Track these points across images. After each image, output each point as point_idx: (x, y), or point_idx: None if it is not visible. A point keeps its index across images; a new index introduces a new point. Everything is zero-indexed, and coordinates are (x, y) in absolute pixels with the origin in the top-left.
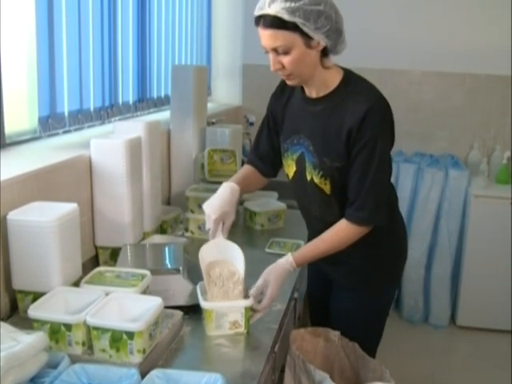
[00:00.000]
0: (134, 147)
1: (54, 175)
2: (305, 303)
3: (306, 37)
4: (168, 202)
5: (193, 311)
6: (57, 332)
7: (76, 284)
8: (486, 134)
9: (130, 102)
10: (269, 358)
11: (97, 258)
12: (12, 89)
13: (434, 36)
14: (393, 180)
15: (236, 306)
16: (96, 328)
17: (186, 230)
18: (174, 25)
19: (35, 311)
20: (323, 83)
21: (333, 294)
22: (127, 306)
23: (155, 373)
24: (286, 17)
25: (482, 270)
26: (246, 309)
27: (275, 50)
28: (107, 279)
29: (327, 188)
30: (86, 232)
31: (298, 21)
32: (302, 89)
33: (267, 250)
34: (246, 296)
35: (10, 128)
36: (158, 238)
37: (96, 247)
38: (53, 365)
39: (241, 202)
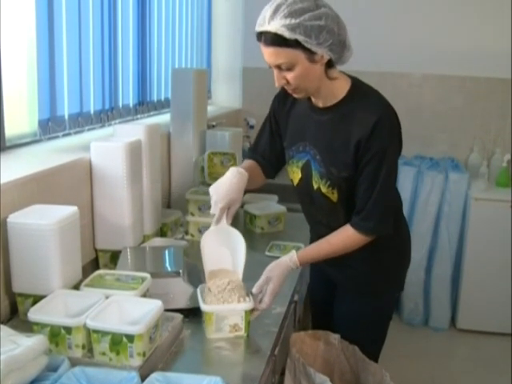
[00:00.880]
0: (134, 150)
1: (54, 178)
2: (305, 306)
3: (309, 52)
4: (168, 204)
5: (193, 314)
6: (57, 335)
7: (76, 287)
8: (486, 136)
9: (131, 105)
10: (269, 361)
11: (97, 261)
12: (12, 91)
13: (434, 39)
14: None
15: (236, 310)
16: (96, 331)
17: (186, 232)
18: (174, 28)
19: (35, 314)
20: (330, 93)
21: (336, 297)
22: (127, 309)
23: (155, 376)
24: (286, 34)
25: (482, 273)
26: (246, 312)
27: (278, 67)
28: (107, 282)
29: (334, 197)
30: (86, 235)
31: (300, 38)
32: (309, 97)
33: (267, 253)
34: (246, 299)
35: (10, 131)
36: (158, 241)
37: (96, 250)
38: (53, 368)
39: (241, 205)
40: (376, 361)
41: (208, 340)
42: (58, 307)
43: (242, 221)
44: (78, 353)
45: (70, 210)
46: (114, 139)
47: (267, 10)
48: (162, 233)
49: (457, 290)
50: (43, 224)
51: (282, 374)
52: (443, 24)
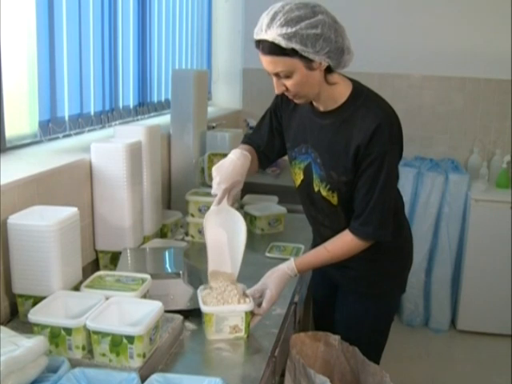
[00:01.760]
0: (135, 151)
1: (55, 179)
2: (305, 307)
3: (307, 60)
4: (168, 205)
5: (193, 315)
6: (57, 336)
7: (76, 288)
8: (486, 138)
9: (131, 106)
10: (269, 362)
11: (97, 262)
12: (12, 93)
13: (434, 40)
14: None
15: (236, 311)
16: (96, 332)
17: (187, 234)
18: (174, 29)
19: (35, 315)
20: (330, 98)
21: (338, 298)
22: (127, 311)
23: (155, 377)
24: (283, 43)
25: (483, 274)
26: (247, 313)
27: (277, 75)
28: (107, 283)
29: (334, 200)
30: (86, 236)
31: (296, 47)
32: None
33: (267, 254)
34: (246, 300)
35: (10, 132)
36: (158, 242)
37: (96, 251)
38: (53, 369)
39: (241, 206)
40: (377, 363)
41: (208, 341)
42: (58, 308)
43: None
44: (78, 354)
45: (71, 211)
46: (114, 140)
47: (264, 18)
48: (162, 234)
49: (457, 291)
50: (43, 225)
51: (282, 375)
52: (443, 25)
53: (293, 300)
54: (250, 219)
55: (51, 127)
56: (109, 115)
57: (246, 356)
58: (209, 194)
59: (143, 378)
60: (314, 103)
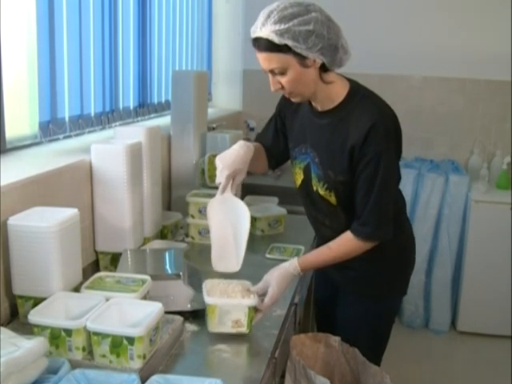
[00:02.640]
0: (135, 152)
1: (55, 180)
2: (305, 308)
3: (300, 57)
4: (168, 207)
5: (193, 316)
6: (57, 337)
7: (76, 289)
8: (487, 139)
9: (131, 107)
10: (269, 363)
11: (97, 264)
12: (13, 94)
13: (434, 41)
14: None
15: (240, 305)
16: (96, 333)
17: (187, 235)
18: (174, 30)
19: (35, 316)
20: (327, 98)
21: (339, 299)
22: (127, 312)
23: (155, 378)
24: (276, 40)
25: (483, 275)
26: (250, 308)
27: (272, 72)
28: (107, 284)
29: (333, 200)
30: (86, 237)
31: (289, 42)
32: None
33: (267, 255)
34: (250, 296)
35: (10, 133)
36: (158, 244)
37: (96, 252)
38: (53, 370)
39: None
40: (378, 364)
41: (208, 342)
42: (59, 309)
43: None
44: (78, 355)
45: (71, 212)
46: (114, 141)
47: (260, 17)
48: (162, 235)
49: (457, 292)
50: (44, 226)
51: (283, 376)
52: (443, 26)
53: (293, 301)
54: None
55: (51, 128)
56: (109, 116)
57: (247, 357)
58: (209, 196)
59: (143, 380)
60: (313, 103)
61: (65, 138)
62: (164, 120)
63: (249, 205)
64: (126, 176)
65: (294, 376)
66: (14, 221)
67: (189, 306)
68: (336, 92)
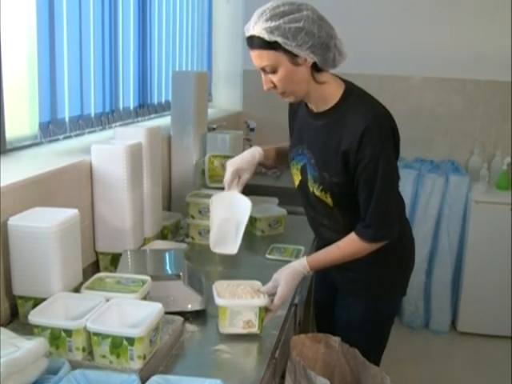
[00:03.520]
0: (135, 153)
1: (55, 181)
2: (305, 309)
3: (291, 54)
4: (168, 207)
5: (193, 317)
6: (57, 338)
7: (76, 290)
8: (487, 139)
9: (131, 107)
10: (269, 364)
11: (97, 264)
12: (13, 94)
13: (434, 42)
14: None
15: (250, 305)
16: (96, 334)
17: (187, 235)
18: (174, 31)
19: (36, 317)
20: (321, 99)
21: (338, 300)
22: (127, 312)
23: (155, 379)
24: (266, 37)
25: (483, 276)
26: (260, 309)
27: (264, 70)
28: (108, 285)
29: (329, 201)
30: (86, 238)
31: (278, 39)
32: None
33: (268, 255)
34: (260, 296)
35: (10, 133)
36: (158, 244)
37: (96, 253)
38: (53, 371)
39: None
40: (377, 365)
41: (208, 343)
42: (59, 310)
43: None
44: (79, 355)
45: (71, 212)
46: (114, 142)
47: (254, 16)
48: (162, 235)
49: (457, 292)
50: (44, 227)
51: (283, 377)
52: (443, 27)
53: (293, 302)
54: (250, 221)
55: (51, 129)
56: (109, 117)
57: (247, 358)
58: (209, 196)
59: (143, 380)
60: (309, 104)
61: (65, 138)
62: (164, 120)
63: None
64: (126, 176)
65: (294, 376)
66: (14, 221)
67: (189, 306)
68: (330, 93)
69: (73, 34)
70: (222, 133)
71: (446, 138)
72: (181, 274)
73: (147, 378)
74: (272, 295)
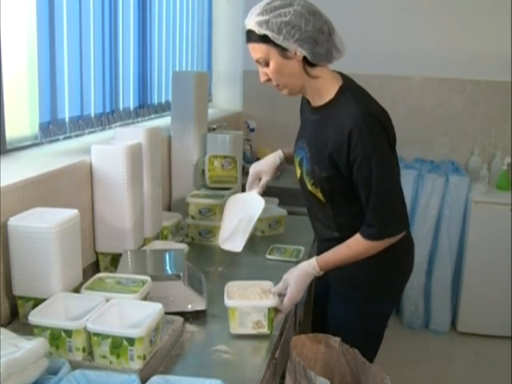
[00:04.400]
0: (135, 153)
1: (55, 181)
2: (306, 309)
3: (281, 48)
4: (169, 207)
5: (193, 317)
6: (57, 338)
7: (76, 290)
8: (487, 139)
9: (131, 108)
10: (269, 364)
11: (97, 264)
12: (13, 94)
13: (434, 42)
14: None
15: (259, 306)
16: (96, 334)
17: (187, 236)
18: (174, 31)
19: (36, 317)
20: (316, 93)
21: (330, 298)
22: (128, 312)
23: (156, 379)
24: (256, 30)
25: (483, 276)
26: (270, 309)
27: (259, 62)
28: (108, 285)
29: (320, 195)
30: (86, 238)
31: (267, 33)
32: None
33: (268, 256)
34: (269, 297)
35: (10, 134)
36: (158, 244)
37: (96, 253)
38: (53, 371)
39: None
40: None
41: (208, 343)
42: (59, 310)
43: None
44: (79, 356)
45: (71, 213)
46: (114, 142)
47: (250, 11)
48: (162, 236)
49: (457, 293)
50: (44, 227)
51: (283, 377)
52: (443, 27)
53: None
54: None
55: (51, 129)
56: (109, 117)
57: (247, 358)
58: (209, 196)
59: (143, 380)
60: (308, 98)
61: (65, 138)
62: (164, 121)
63: None
64: (126, 177)
65: (294, 377)
66: (14, 221)
67: (189, 306)
68: (325, 87)
69: (73, 35)
70: (222, 133)
71: (445, 138)
72: (181, 274)
73: (147, 379)
74: (282, 296)
